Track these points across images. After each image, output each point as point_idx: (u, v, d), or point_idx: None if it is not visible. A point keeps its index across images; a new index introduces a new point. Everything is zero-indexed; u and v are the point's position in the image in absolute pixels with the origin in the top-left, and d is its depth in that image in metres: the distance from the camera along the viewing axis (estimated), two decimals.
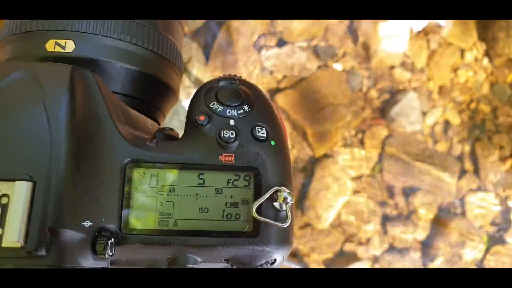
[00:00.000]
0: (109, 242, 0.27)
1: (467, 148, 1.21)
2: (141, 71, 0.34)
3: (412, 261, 1.15)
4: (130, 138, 0.29)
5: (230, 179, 0.30)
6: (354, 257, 1.13)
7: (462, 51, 1.23)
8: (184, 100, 1.04)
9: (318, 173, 1.13)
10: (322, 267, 1.08)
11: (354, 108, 1.18)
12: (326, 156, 1.14)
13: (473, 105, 1.24)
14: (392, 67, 1.20)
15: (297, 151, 1.14)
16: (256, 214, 0.28)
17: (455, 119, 1.21)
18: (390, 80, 1.20)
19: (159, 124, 0.37)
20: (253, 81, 0.38)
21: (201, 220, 0.29)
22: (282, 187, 0.29)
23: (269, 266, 0.30)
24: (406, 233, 1.16)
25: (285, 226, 0.29)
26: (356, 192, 1.16)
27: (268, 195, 0.29)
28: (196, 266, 0.29)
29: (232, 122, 0.30)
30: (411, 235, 1.16)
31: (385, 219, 1.16)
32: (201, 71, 1.08)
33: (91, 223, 0.27)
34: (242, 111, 0.31)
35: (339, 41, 1.19)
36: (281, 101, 1.13)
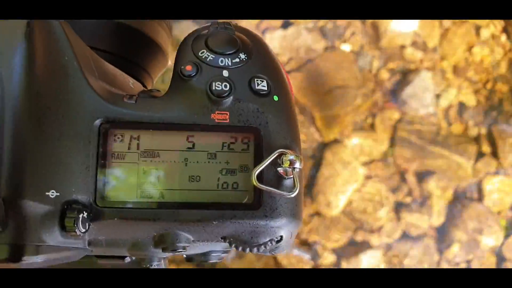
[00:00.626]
0: (81, 216, 0.22)
1: (483, 130, 1.16)
2: (120, 22, 0.29)
3: (426, 248, 1.11)
4: (104, 94, 0.24)
5: (226, 142, 0.25)
6: (366, 245, 1.08)
7: (478, 28, 1.17)
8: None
9: (328, 158, 1.09)
10: (333, 256, 1.04)
11: (364, 91, 1.13)
12: (335, 141, 1.10)
13: (489, 85, 1.18)
14: (403, 47, 1.15)
15: (305, 136, 1.09)
16: (257, 182, 0.23)
17: (470, 100, 1.16)
18: (401, 60, 1.15)
19: (145, 87, 0.32)
20: None
21: (192, 190, 0.24)
22: (287, 150, 0.24)
23: (274, 245, 0.25)
24: (420, 219, 1.11)
25: (292, 195, 0.24)
26: (367, 177, 1.11)
27: (271, 159, 0.24)
28: (188, 246, 0.24)
29: (225, 72, 0.25)
30: (425, 221, 1.11)
31: (398, 206, 1.12)
32: None
33: (57, 194, 0.22)
34: (237, 59, 0.25)
35: (347, 21, 1.13)
36: None
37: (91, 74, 0.24)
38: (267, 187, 0.24)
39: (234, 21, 0.28)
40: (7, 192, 0.21)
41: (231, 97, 0.25)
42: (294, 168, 0.24)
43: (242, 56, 0.26)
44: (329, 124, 1.13)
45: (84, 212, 0.22)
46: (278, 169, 0.24)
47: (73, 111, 0.23)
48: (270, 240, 0.25)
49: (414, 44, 1.16)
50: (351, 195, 1.11)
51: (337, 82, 1.13)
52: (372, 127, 1.14)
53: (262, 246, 0.25)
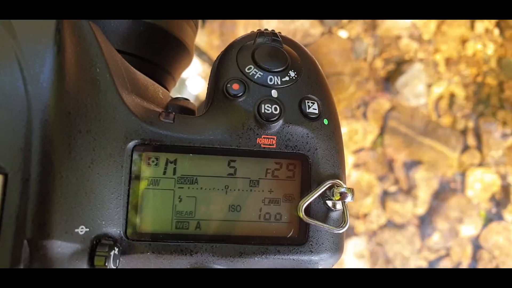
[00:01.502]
0: (112, 252, 0.20)
1: (471, 123, 1.16)
2: (150, 23, 0.26)
3: (409, 236, 1.12)
4: (139, 112, 0.21)
5: (270, 168, 0.22)
6: (351, 231, 1.09)
7: (473, 22, 1.16)
8: None
9: None
10: None
11: (358, 79, 1.12)
12: None
13: (479, 79, 1.18)
14: (399, 37, 1.13)
15: None
16: (304, 215, 0.21)
17: (460, 93, 1.16)
18: (396, 50, 1.13)
19: (168, 91, 0.29)
20: None
21: (231, 221, 0.22)
22: (338, 180, 0.22)
23: None
24: (405, 208, 1.12)
25: (341, 231, 0.22)
26: (356, 166, 1.11)
27: (321, 191, 0.22)
28: None
29: (274, 93, 0.23)
30: (410, 210, 1.12)
31: (384, 194, 1.12)
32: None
33: (87, 229, 0.19)
34: (287, 78, 0.23)
35: None
36: None
37: (124, 87, 0.21)
38: (315, 221, 0.22)
39: (278, 30, 0.25)
40: (33, 231, 0.18)
41: (281, 121, 0.22)
42: (345, 201, 0.22)
43: (292, 74, 0.23)
44: None
45: (116, 248, 0.20)
46: (327, 201, 0.22)
47: (105, 132, 0.20)
48: None
49: (410, 35, 1.14)
50: None
51: (333, 69, 1.11)
52: (363, 115, 1.13)
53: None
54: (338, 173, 0.23)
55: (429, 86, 1.16)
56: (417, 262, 1.13)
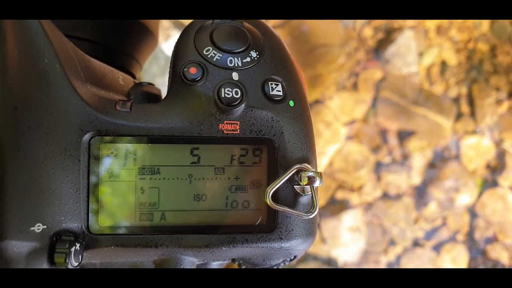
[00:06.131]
0: (73, 249, 0.19)
1: (463, 90, 1.15)
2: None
3: (405, 206, 1.12)
4: (94, 102, 0.20)
5: (235, 155, 0.22)
6: (346, 204, 1.09)
7: None
8: (164, 42, 0.93)
9: None
10: None
11: (347, 49, 1.10)
12: (317, 101, 1.07)
13: (471, 45, 1.16)
14: None
15: None
16: (272, 202, 0.21)
17: (452, 60, 1.14)
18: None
19: (134, 77, 0.28)
20: None
21: (197, 211, 0.21)
22: (306, 164, 0.21)
23: (286, 264, 0.23)
24: (400, 179, 1.12)
25: (311, 216, 0.21)
26: (348, 138, 1.10)
27: (287, 176, 0.21)
28: (192, 267, 0.22)
29: (235, 75, 0.22)
30: (404, 181, 1.12)
31: (378, 166, 1.12)
32: None
33: (44, 226, 0.19)
34: (248, 59, 0.22)
35: None
36: None
37: (77, 77, 0.20)
38: (283, 207, 0.21)
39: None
40: None
41: (243, 105, 0.21)
42: (313, 186, 0.21)
43: (254, 54, 0.22)
44: (312, 84, 1.10)
45: (77, 243, 0.19)
46: (295, 186, 0.22)
47: (58, 126, 0.19)
48: (283, 261, 0.23)
49: None
50: (333, 155, 1.10)
51: (321, 40, 1.09)
52: (354, 86, 1.11)
53: (274, 267, 0.22)
54: (306, 157, 0.22)
55: (420, 54, 1.14)
56: (414, 232, 1.13)
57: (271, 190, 0.21)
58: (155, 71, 0.88)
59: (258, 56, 0.22)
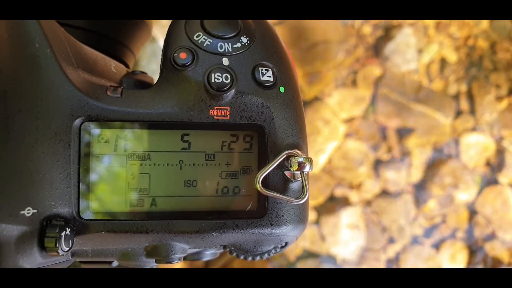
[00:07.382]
0: (63, 233, 0.19)
1: (463, 87, 1.15)
2: None
3: (404, 204, 1.12)
4: (85, 87, 0.20)
5: (225, 141, 0.22)
6: (345, 201, 1.09)
7: None
8: (162, 39, 0.93)
9: (308, 116, 1.07)
10: (314, 213, 1.04)
11: (347, 46, 1.10)
12: (316, 98, 1.07)
13: (470, 42, 1.16)
14: None
15: None
16: (262, 187, 0.21)
17: (451, 57, 1.14)
18: None
19: (127, 66, 0.28)
20: None
21: (188, 196, 0.21)
22: (296, 150, 0.21)
23: (278, 251, 0.23)
24: (399, 176, 1.12)
25: (301, 202, 0.21)
26: (347, 135, 1.10)
27: (277, 162, 0.21)
28: (184, 255, 0.22)
29: (225, 60, 0.22)
30: (404, 178, 1.12)
31: (378, 163, 1.12)
32: None
33: (34, 211, 0.19)
34: (239, 44, 0.22)
35: None
36: None
37: (68, 62, 0.20)
38: (273, 193, 0.21)
39: None
40: None
41: (233, 91, 0.21)
42: (304, 171, 0.21)
43: (244, 40, 0.22)
44: (311, 81, 1.10)
45: (67, 228, 0.19)
46: (285, 172, 0.22)
47: (48, 110, 0.19)
48: (274, 248, 0.23)
49: None
50: (332, 153, 1.10)
51: (320, 36, 1.09)
52: (353, 83, 1.11)
53: (266, 254, 0.22)
54: (297, 143, 0.22)
55: (420, 51, 1.14)
56: (413, 230, 1.13)
57: (261, 176, 0.21)
58: (154, 69, 0.88)
59: (248, 42, 0.22)
